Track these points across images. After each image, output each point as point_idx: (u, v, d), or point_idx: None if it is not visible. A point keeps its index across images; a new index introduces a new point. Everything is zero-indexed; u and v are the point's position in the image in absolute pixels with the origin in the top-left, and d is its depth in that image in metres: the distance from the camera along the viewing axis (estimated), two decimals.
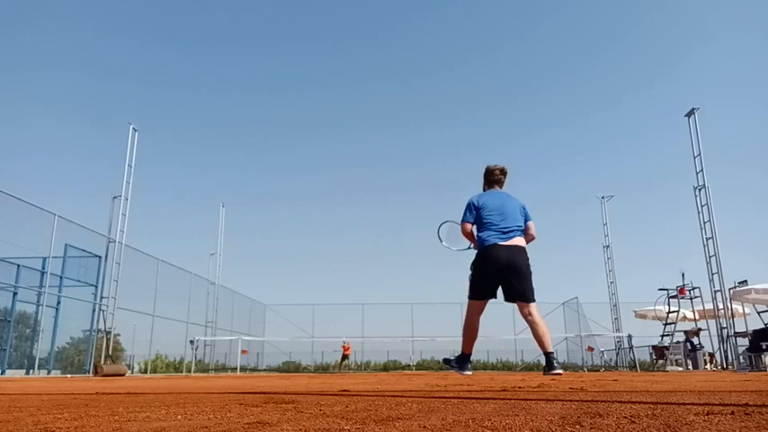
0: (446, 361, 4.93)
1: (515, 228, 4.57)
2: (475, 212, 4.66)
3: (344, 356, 22.68)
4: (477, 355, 25.05)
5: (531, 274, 4.50)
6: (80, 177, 39.68)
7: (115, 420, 1.13)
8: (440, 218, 5.46)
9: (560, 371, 4.24)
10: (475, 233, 4.67)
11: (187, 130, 40.78)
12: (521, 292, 4.39)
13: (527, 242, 4.67)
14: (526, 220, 4.69)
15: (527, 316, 4.42)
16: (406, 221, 44.06)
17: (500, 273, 4.39)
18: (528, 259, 4.51)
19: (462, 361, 4.66)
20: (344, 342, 22.46)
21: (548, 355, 4.31)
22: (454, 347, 24.02)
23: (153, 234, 38.10)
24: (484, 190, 4.87)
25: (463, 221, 4.70)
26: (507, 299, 4.52)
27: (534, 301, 4.45)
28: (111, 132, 36.23)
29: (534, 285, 4.52)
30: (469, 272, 4.66)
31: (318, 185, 45.35)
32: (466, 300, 4.61)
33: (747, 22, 37.06)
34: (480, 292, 4.47)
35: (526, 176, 43.58)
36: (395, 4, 42.37)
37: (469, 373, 4.75)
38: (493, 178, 4.81)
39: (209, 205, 32.83)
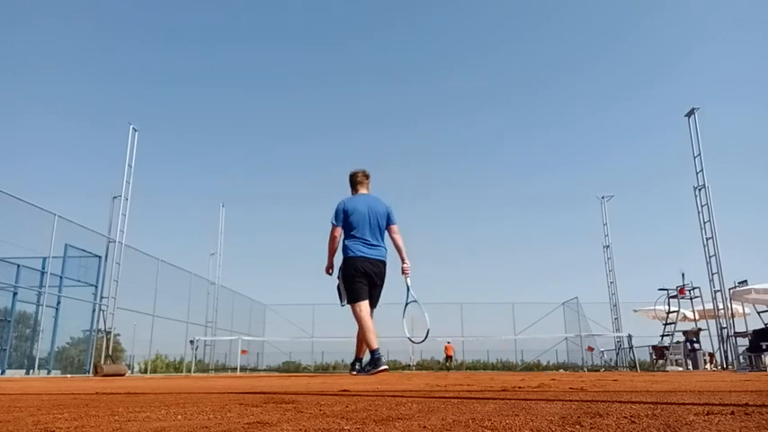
0: (357, 368, 5.18)
1: (379, 239, 4.99)
2: (343, 217, 4.95)
3: (448, 357, 22.63)
4: (477, 355, 25.01)
5: None
6: (80, 177, 39.72)
7: (115, 420, 1.13)
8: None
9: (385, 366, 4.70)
10: (340, 240, 5.00)
11: (187, 129, 40.83)
12: (375, 303, 5.02)
13: (399, 243, 5.07)
14: (391, 224, 5.05)
15: None
16: (405, 221, 43.94)
17: (368, 279, 4.86)
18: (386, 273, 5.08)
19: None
20: (448, 342, 22.49)
21: (373, 352, 4.73)
22: (453, 347, 24.04)
23: (153, 234, 38.13)
24: (352, 194, 5.18)
25: (333, 225, 4.95)
26: None
27: None
28: (111, 132, 36.26)
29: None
30: (338, 280, 5.01)
31: (318, 185, 45.28)
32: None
33: (747, 22, 37.07)
34: (360, 292, 4.83)
35: (526, 177, 43.74)
36: (394, 4, 42.36)
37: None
38: (356, 180, 5.15)
39: (210, 205, 32.84)
